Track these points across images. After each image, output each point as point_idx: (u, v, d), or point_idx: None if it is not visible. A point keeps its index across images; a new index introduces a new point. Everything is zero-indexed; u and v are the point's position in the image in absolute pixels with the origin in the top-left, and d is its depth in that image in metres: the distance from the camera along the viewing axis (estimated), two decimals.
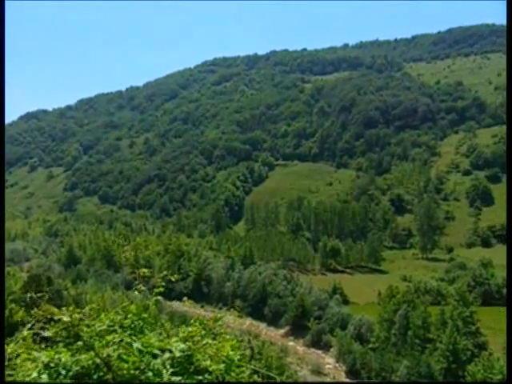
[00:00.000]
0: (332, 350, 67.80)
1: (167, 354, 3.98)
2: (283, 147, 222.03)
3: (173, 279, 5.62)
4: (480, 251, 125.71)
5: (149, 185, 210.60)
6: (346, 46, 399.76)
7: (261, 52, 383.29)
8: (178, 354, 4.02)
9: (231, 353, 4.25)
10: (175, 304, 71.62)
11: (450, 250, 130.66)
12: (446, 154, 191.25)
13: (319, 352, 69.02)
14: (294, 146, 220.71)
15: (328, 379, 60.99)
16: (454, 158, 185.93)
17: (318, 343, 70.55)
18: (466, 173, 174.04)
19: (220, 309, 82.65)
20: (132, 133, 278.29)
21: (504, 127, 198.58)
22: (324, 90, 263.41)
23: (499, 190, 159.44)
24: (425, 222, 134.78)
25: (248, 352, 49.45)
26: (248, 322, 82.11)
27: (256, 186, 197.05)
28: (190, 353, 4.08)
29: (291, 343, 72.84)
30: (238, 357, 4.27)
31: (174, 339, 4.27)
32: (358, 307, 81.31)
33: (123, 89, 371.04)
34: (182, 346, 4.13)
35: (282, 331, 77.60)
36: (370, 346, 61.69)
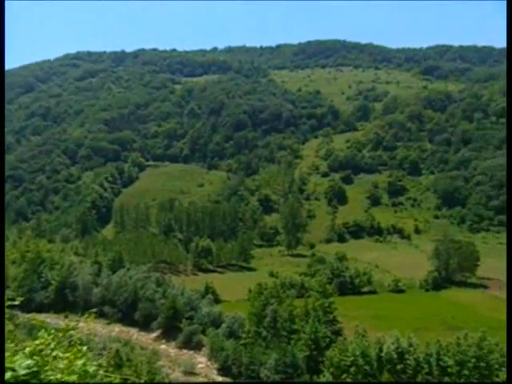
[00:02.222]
0: (204, 349, 68.83)
1: (9, 374, 3.66)
2: (154, 148, 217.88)
3: (17, 302, 4.91)
4: (337, 246, 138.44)
5: None
6: (215, 49, 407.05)
7: (128, 49, 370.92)
8: (22, 372, 3.69)
9: (86, 363, 4.05)
10: (40, 316, 66.00)
11: (312, 246, 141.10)
12: (308, 156, 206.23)
13: (191, 352, 69.52)
14: (165, 147, 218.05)
15: (200, 378, 61.88)
16: (315, 161, 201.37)
17: (190, 344, 70.97)
18: (325, 174, 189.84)
19: (89, 316, 78.11)
20: None
21: (355, 133, 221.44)
22: (194, 91, 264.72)
23: (352, 190, 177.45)
24: (290, 221, 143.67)
25: (116, 360, 47.99)
26: (118, 328, 79.23)
27: (126, 188, 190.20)
28: (36, 369, 3.80)
29: (163, 346, 72.17)
30: (94, 367, 4.09)
31: (19, 356, 3.94)
32: (229, 305, 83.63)
33: None
34: (28, 362, 3.82)
35: (153, 335, 76.41)
36: (242, 341, 64.00)
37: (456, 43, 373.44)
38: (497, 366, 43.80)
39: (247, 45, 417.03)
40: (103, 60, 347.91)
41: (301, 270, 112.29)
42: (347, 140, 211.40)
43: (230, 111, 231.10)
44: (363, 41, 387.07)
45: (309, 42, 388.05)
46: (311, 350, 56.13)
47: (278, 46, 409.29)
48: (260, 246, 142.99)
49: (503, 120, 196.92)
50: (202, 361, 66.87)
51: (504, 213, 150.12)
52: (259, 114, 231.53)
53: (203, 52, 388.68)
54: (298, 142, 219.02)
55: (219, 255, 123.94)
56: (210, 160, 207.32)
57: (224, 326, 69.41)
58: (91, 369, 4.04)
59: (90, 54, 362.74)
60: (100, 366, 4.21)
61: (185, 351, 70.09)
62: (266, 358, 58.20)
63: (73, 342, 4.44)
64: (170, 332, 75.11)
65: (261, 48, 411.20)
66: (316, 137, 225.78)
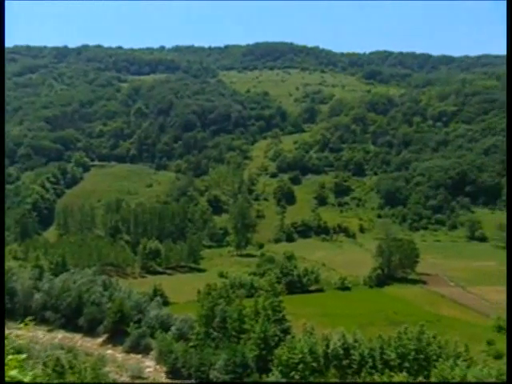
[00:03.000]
0: (152, 352, 67.82)
1: None
2: (99, 147, 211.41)
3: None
4: (285, 246, 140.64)
5: None
6: (162, 48, 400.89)
7: (71, 45, 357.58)
8: None
9: (21, 373, 3.91)
10: None
11: (261, 246, 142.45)
12: (257, 157, 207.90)
13: (139, 356, 68.29)
14: (111, 147, 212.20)
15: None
16: (263, 162, 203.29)
17: (137, 348, 69.69)
18: (273, 175, 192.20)
19: (26, 324, 74.76)
20: None
21: (303, 134, 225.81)
22: (141, 90, 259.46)
23: (300, 191, 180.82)
24: (239, 221, 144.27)
25: (57, 368, 46.36)
26: (61, 335, 76.42)
27: (69, 188, 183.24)
28: None
29: (110, 351, 70.39)
30: (30, 377, 3.95)
31: None
32: (179, 307, 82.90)
33: None
34: None
35: (99, 340, 74.34)
36: (192, 343, 63.61)
37: (396, 50, 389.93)
38: (434, 358, 46.27)
39: (195, 44, 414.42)
40: (44, 55, 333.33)
41: (250, 269, 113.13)
42: (295, 141, 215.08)
43: (179, 111, 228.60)
44: (310, 44, 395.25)
45: (257, 44, 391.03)
46: (261, 350, 56.77)
47: (227, 47, 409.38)
48: (209, 247, 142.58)
49: (440, 124, 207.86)
50: (150, 365, 65.90)
51: (441, 212, 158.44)
52: (208, 114, 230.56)
53: (150, 50, 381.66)
54: (247, 142, 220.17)
55: (168, 257, 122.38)
56: (158, 160, 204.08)
57: (173, 328, 68.75)
58: (26, 378, 3.91)
59: (29, 48, 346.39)
60: (36, 375, 4.12)
61: (132, 355, 68.76)
62: (215, 359, 58.26)
63: (8, 351, 4.29)
64: (116, 336, 73.39)
65: (209, 48, 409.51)
66: (265, 138, 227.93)
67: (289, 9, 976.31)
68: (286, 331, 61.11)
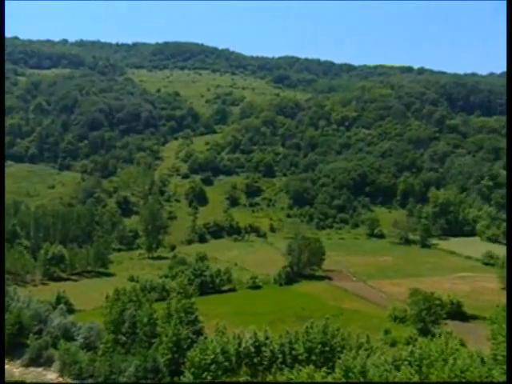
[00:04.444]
0: (55, 364, 64.20)
1: None
2: None
3: None
4: (198, 247, 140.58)
5: None
6: (64, 41, 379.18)
7: None
8: None
9: None
10: None
11: (173, 248, 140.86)
12: (168, 158, 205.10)
13: (40, 369, 64.12)
14: (8, 145, 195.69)
15: None
16: (175, 163, 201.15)
17: (38, 360, 65.35)
18: (185, 176, 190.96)
19: None
20: None
21: (214, 136, 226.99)
22: (42, 85, 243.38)
23: (212, 192, 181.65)
24: (150, 223, 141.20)
25: None
26: None
27: None
28: None
29: (6, 366, 65.36)
30: None
31: None
32: (85, 314, 79.38)
33: None
34: None
35: None
36: (100, 351, 61.34)
37: (302, 56, 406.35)
38: (339, 349, 49.39)
39: (101, 40, 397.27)
40: None
41: (162, 272, 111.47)
42: (207, 142, 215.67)
43: (84, 109, 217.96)
44: (220, 46, 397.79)
45: (166, 43, 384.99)
46: (173, 353, 56.37)
47: (135, 44, 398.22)
48: (119, 250, 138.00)
49: (342, 128, 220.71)
50: (52, 377, 62.28)
51: (345, 211, 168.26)
52: (116, 113, 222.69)
53: (51, 43, 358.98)
54: (158, 143, 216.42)
55: (73, 262, 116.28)
56: (61, 160, 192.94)
57: (79, 336, 65.68)
58: None
59: None
60: None
61: (32, 369, 64.37)
62: (126, 366, 56.76)
63: None
64: (14, 350, 68.22)
65: (117, 45, 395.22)
66: (176, 138, 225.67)
67: (198, 10, 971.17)
68: (198, 332, 61.26)
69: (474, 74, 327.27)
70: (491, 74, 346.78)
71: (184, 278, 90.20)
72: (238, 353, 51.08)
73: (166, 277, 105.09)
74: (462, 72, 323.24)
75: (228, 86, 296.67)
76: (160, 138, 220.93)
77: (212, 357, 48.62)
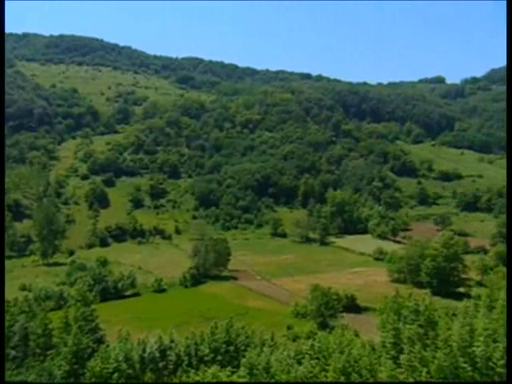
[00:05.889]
0: None
1: None
2: None
3: None
4: (99, 251, 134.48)
5: None
6: None
7: None
8: None
9: None
10: None
11: (72, 253, 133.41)
12: (65, 158, 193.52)
13: None
14: None
15: None
16: (73, 163, 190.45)
17: None
18: (84, 177, 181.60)
19: None
20: None
21: (116, 135, 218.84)
22: None
23: (114, 193, 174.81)
24: (45, 227, 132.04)
25: None
26: None
27: None
28: None
29: None
30: None
31: None
32: None
33: None
34: None
35: None
36: None
37: (206, 57, 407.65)
38: (243, 348, 50.61)
39: None
40: None
41: (59, 279, 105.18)
42: (108, 142, 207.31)
43: None
44: (121, 43, 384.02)
45: (62, 36, 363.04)
46: (72, 364, 53.59)
47: (26, 35, 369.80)
48: (9, 258, 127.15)
49: (247, 130, 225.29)
50: None
51: (249, 212, 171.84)
52: (5, 108, 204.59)
53: None
54: (54, 142, 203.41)
55: None
56: None
57: None
58: None
59: None
60: None
61: None
62: (19, 381, 52.77)
63: None
64: None
65: (5, 34, 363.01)
66: (74, 137, 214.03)
67: (97, 4, 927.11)
68: (99, 341, 58.94)
69: (365, 83, 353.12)
70: (379, 84, 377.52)
71: (83, 285, 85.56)
72: (143, 359, 50.13)
73: (64, 284, 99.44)
74: (354, 81, 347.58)
75: (130, 85, 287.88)
76: (56, 137, 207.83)
77: (114, 365, 47.20)
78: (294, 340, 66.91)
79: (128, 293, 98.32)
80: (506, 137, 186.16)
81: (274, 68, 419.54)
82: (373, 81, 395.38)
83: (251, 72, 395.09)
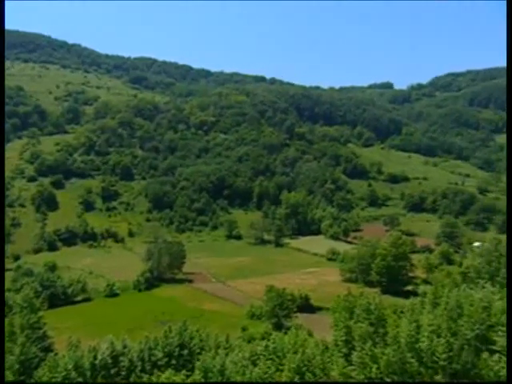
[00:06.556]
0: None
1: None
2: None
3: None
4: (47, 255, 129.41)
5: None
6: None
7: None
8: None
9: None
10: None
11: (17, 258, 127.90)
12: (10, 159, 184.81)
13: None
14: None
15: None
16: (19, 164, 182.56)
17: None
18: (31, 179, 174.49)
19: None
20: None
21: (65, 136, 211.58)
22: None
23: (63, 196, 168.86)
24: None
25: None
26: None
27: None
28: None
29: None
30: None
31: None
32: None
33: None
34: None
35: None
36: None
37: (160, 58, 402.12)
38: (198, 351, 50.31)
39: None
40: None
41: (4, 285, 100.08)
42: (57, 143, 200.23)
43: None
44: (70, 41, 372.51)
45: (6, 31, 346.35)
46: (19, 374, 51.35)
47: None
48: None
49: (201, 132, 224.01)
50: None
51: (204, 214, 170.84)
52: None
53: None
54: None
55: None
56: None
57: None
58: None
59: None
60: None
61: None
62: None
63: None
64: None
65: None
66: (20, 137, 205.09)
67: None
68: (47, 349, 56.86)
69: (317, 87, 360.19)
70: (331, 88, 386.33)
71: (30, 291, 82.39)
72: (94, 366, 48.75)
73: (9, 291, 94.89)
74: (307, 84, 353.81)
75: (80, 84, 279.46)
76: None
77: (63, 374, 45.67)
78: (249, 341, 67.04)
79: (78, 298, 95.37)
80: (507, 136, 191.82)
81: (228, 70, 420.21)
82: (325, 85, 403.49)
83: (205, 73, 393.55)
